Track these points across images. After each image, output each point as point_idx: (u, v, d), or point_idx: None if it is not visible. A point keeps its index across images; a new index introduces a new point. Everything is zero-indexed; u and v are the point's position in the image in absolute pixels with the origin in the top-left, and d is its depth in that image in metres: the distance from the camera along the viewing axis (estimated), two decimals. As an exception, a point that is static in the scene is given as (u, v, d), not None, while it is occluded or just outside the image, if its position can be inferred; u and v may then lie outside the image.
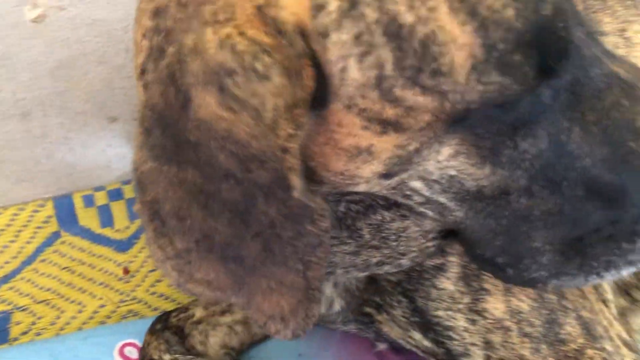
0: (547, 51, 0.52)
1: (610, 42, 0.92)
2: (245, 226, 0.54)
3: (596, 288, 0.85)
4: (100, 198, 1.28)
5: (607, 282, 0.87)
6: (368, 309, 0.82)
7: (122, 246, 1.22)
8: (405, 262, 0.73)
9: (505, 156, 0.57)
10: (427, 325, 0.78)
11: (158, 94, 0.53)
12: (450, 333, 0.77)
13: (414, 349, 0.83)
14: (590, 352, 0.75)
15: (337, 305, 0.83)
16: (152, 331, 0.93)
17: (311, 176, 0.58)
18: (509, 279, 0.66)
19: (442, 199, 0.61)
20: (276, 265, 0.56)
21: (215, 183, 0.53)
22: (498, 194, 0.59)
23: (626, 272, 0.64)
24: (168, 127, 0.53)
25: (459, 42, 0.50)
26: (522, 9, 0.50)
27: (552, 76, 0.54)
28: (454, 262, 0.75)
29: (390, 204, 0.68)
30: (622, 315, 0.88)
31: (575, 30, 0.55)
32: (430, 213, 0.64)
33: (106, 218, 1.26)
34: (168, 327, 0.94)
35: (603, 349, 0.75)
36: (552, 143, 0.57)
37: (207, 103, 0.50)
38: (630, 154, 0.58)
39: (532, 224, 0.61)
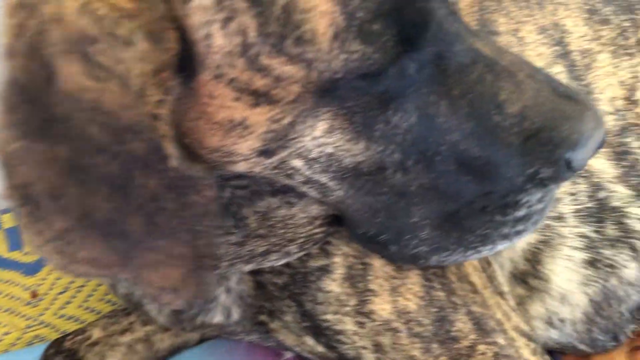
0: (407, 22, 0.53)
1: (504, 41, 0.93)
2: (125, 200, 0.53)
3: (491, 281, 0.84)
4: (7, 221, 1.23)
5: (501, 274, 0.87)
6: (262, 317, 0.80)
7: (31, 269, 1.17)
8: (293, 249, 0.71)
9: (379, 130, 0.58)
10: (318, 330, 0.76)
11: (21, 69, 0.50)
12: (341, 337, 0.75)
13: (310, 356, 0.81)
14: (482, 347, 0.74)
15: (235, 315, 0.81)
16: (45, 357, 0.89)
17: (188, 155, 0.56)
18: (393, 256, 0.67)
19: (322, 178, 0.61)
20: (163, 237, 0.55)
21: (89, 157, 0.51)
22: (375, 170, 0.60)
23: (502, 246, 0.66)
24: (34, 102, 0.51)
25: (320, 9, 0.50)
26: None
27: (414, 48, 0.55)
28: (339, 263, 0.73)
29: (276, 190, 0.67)
30: (521, 304, 0.87)
31: (437, 5, 0.56)
32: (312, 193, 0.64)
33: (14, 241, 1.21)
34: (61, 351, 0.90)
35: (495, 343, 0.75)
36: (422, 117, 0.58)
37: (71, 73, 0.49)
38: (496, 127, 0.59)
39: (409, 199, 0.62)
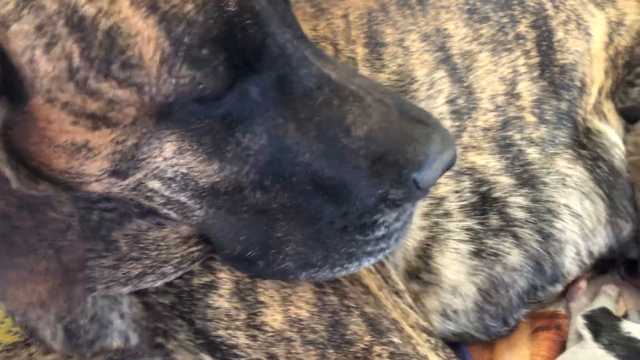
0: (239, 47, 0.54)
1: (390, 52, 0.96)
2: None
3: (387, 281, 0.87)
4: None
5: (396, 273, 0.90)
6: (159, 339, 0.79)
7: None
8: (169, 270, 0.71)
9: (231, 152, 0.59)
10: (213, 346, 0.77)
11: None
12: (235, 351, 0.75)
13: (209, 374, 0.80)
14: (377, 348, 0.76)
15: (133, 339, 0.80)
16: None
17: (37, 176, 0.57)
18: (261, 272, 0.68)
19: (182, 198, 0.62)
20: (23, 255, 0.56)
21: None
22: (232, 190, 0.61)
23: (368, 263, 0.68)
24: None
25: (144, 34, 0.51)
26: (202, 5, 0.51)
27: (253, 72, 0.56)
28: (225, 278, 0.74)
29: (145, 212, 0.67)
30: (417, 300, 0.90)
31: (278, 30, 0.57)
32: (173, 214, 0.65)
33: None
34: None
35: (390, 343, 0.77)
36: (272, 139, 0.59)
37: None
38: (344, 150, 0.60)
39: (272, 216, 0.63)
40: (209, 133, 0.56)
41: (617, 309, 1.02)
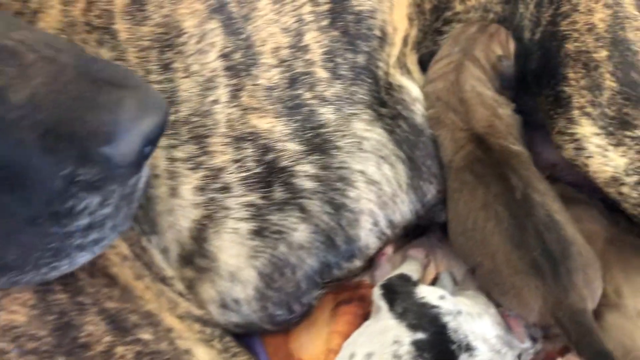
0: None
1: (155, 1, 0.82)
2: None
3: (150, 268, 0.76)
4: None
5: (166, 258, 0.79)
6: None
7: None
8: None
9: None
10: None
11: None
12: None
13: None
14: (120, 349, 0.66)
15: None
16: None
17: None
18: None
19: None
20: None
21: None
22: None
23: (84, 259, 0.58)
24: None
25: None
26: None
27: None
28: None
29: None
30: (192, 287, 0.80)
31: None
32: None
33: None
34: None
35: (137, 341, 0.68)
36: None
37: None
38: (2, 121, 0.50)
39: None
40: None
41: (424, 273, 0.97)
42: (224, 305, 0.81)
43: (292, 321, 0.86)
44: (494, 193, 0.83)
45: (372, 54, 0.90)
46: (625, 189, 0.82)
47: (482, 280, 0.85)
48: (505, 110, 0.93)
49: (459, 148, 0.89)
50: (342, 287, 0.95)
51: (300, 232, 0.83)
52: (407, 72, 0.94)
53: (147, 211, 0.80)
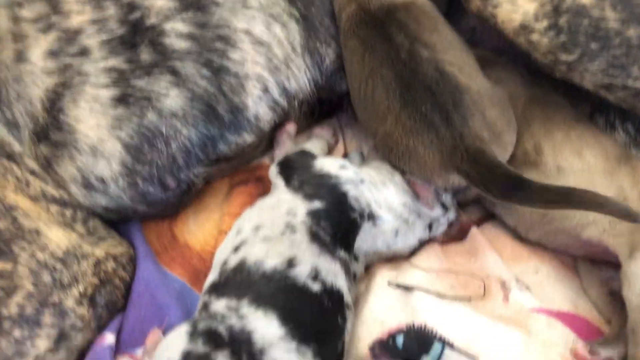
0: None
1: None
2: None
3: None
4: None
5: (11, 133, 0.69)
6: None
7: None
8: None
9: None
10: None
11: None
12: None
13: None
14: None
15: None
16: None
17: None
18: None
19: None
20: None
21: None
22: None
23: None
24: None
25: None
26: None
27: None
28: None
29: None
30: (49, 166, 0.72)
31: None
32: None
33: None
34: None
35: None
36: None
37: None
38: None
39: None
40: None
41: (329, 153, 0.88)
42: (87, 185, 0.71)
43: (170, 201, 0.76)
44: (380, 57, 0.73)
45: None
46: (535, 37, 0.73)
47: (380, 148, 0.76)
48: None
49: (344, 5, 0.79)
50: (239, 170, 0.86)
51: (173, 99, 0.72)
52: None
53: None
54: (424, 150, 0.69)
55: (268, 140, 0.86)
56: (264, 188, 0.82)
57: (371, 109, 0.75)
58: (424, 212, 0.76)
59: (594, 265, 0.76)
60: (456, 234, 0.81)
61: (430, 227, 0.78)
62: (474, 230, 0.79)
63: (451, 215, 0.80)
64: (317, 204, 0.71)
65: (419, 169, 0.72)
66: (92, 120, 0.70)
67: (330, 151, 0.89)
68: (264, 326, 0.60)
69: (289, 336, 0.61)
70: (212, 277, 0.68)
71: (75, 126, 0.70)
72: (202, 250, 0.77)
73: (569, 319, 0.71)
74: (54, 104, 0.70)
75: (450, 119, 0.68)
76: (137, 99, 0.71)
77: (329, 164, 0.76)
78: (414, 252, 0.78)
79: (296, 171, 0.76)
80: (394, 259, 0.78)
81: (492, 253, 0.75)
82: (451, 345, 0.65)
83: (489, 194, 0.66)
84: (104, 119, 0.70)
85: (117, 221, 0.75)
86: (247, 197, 0.80)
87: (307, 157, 0.79)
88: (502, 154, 0.70)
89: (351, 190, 0.73)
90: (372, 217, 0.73)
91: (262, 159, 0.86)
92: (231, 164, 0.82)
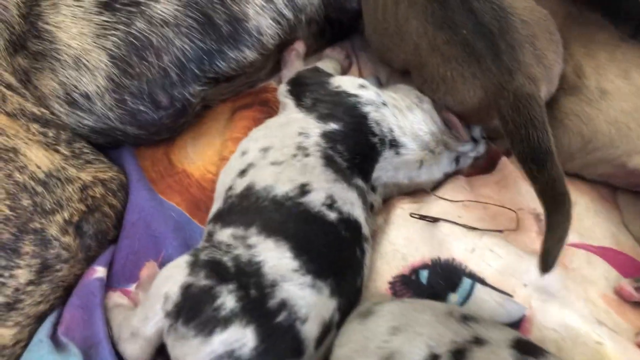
0: None
1: None
2: None
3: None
4: None
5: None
6: None
7: None
8: None
9: None
10: None
11: None
12: None
13: None
14: None
15: None
16: None
17: None
18: None
19: None
20: None
21: None
22: None
23: None
24: None
25: None
26: None
27: None
28: None
29: None
30: (29, 81, 0.63)
31: None
32: None
33: None
34: None
35: None
36: None
37: None
38: None
39: None
40: None
41: (340, 73, 0.79)
42: (71, 102, 0.63)
43: (163, 123, 0.68)
44: None
45: None
46: None
47: (416, 80, 0.68)
48: None
49: None
50: (242, 94, 0.78)
51: (164, 4, 0.63)
52: None
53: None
54: (463, 86, 0.60)
55: (274, 62, 0.77)
56: (269, 112, 0.74)
57: (392, 34, 0.66)
58: (452, 144, 0.69)
59: (636, 197, 0.69)
60: (483, 166, 0.74)
61: (457, 160, 0.71)
62: (504, 160, 0.71)
63: (481, 148, 0.72)
64: (332, 125, 0.63)
65: (454, 105, 0.63)
66: (75, 28, 0.61)
67: (343, 75, 0.81)
68: (275, 257, 0.53)
69: (303, 269, 0.53)
70: (216, 205, 0.61)
71: (57, 34, 0.61)
72: (201, 178, 0.69)
73: (610, 255, 0.64)
74: (32, 9, 0.61)
75: (497, 47, 0.58)
76: (123, 4, 0.62)
77: (347, 82, 0.68)
78: (436, 186, 0.71)
79: (309, 88, 0.67)
80: (415, 192, 0.71)
81: (524, 184, 0.68)
82: (482, 281, 0.59)
83: (513, 147, 0.57)
84: (88, 27, 0.61)
85: (106, 146, 0.67)
86: (251, 122, 0.72)
87: (321, 74, 0.70)
88: (550, 89, 0.61)
89: (372, 113, 0.65)
90: (394, 144, 0.65)
91: (268, 82, 0.78)
92: (233, 85, 0.73)
